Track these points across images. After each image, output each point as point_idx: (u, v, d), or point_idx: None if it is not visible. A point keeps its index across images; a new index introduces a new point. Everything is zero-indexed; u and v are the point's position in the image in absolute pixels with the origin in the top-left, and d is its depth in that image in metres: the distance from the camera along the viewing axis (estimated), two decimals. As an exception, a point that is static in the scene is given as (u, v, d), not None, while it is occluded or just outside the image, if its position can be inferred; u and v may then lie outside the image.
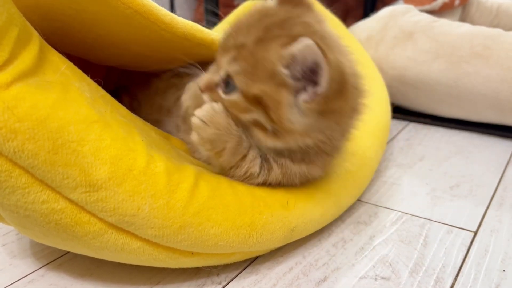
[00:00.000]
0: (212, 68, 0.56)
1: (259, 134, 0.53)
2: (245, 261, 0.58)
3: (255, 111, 0.51)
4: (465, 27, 1.09)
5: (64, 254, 0.59)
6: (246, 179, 0.57)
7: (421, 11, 1.28)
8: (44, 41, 0.48)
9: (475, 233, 0.66)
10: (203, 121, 0.53)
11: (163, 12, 0.56)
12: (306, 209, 0.59)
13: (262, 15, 0.53)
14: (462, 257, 0.60)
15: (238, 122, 0.54)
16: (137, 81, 0.80)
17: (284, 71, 0.48)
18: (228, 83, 0.52)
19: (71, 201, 0.44)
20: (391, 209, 0.72)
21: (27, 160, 0.41)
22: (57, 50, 0.49)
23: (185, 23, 0.59)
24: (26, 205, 0.43)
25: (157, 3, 0.56)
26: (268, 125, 0.51)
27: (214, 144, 0.54)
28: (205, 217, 0.50)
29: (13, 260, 0.58)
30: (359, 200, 0.74)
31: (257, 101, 0.50)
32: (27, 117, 0.41)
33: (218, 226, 0.51)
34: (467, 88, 1.03)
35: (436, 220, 0.69)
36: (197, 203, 0.50)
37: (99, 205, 0.45)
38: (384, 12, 1.25)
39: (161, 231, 0.47)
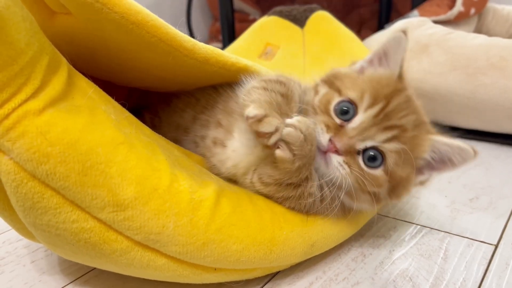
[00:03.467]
0: (339, 128, 0.54)
1: (366, 200, 0.55)
2: (266, 276, 0.59)
3: (386, 187, 0.54)
4: (480, 38, 1.10)
5: (91, 270, 0.60)
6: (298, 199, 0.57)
7: (437, 21, 1.28)
8: (72, 67, 0.50)
9: (496, 246, 0.65)
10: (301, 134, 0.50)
11: (186, 38, 0.57)
12: (325, 224, 0.60)
13: (400, 91, 0.55)
14: (483, 271, 0.60)
15: None
16: (158, 99, 0.82)
17: (427, 157, 0.54)
18: (369, 155, 0.52)
19: (99, 220, 0.46)
20: (410, 222, 0.72)
21: (58, 182, 0.43)
22: (83, 74, 0.52)
23: (206, 48, 0.60)
24: (57, 224, 0.45)
25: (173, 21, 0.58)
26: (385, 196, 0.55)
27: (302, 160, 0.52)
28: (227, 234, 0.51)
29: (42, 277, 0.60)
30: (377, 214, 0.75)
31: (397, 181, 0.53)
32: (58, 141, 0.43)
33: (240, 242, 0.52)
34: (484, 99, 1.03)
35: (456, 234, 0.69)
36: (219, 220, 0.51)
37: (126, 223, 0.46)
38: (398, 25, 1.25)
39: (185, 248, 0.49)
